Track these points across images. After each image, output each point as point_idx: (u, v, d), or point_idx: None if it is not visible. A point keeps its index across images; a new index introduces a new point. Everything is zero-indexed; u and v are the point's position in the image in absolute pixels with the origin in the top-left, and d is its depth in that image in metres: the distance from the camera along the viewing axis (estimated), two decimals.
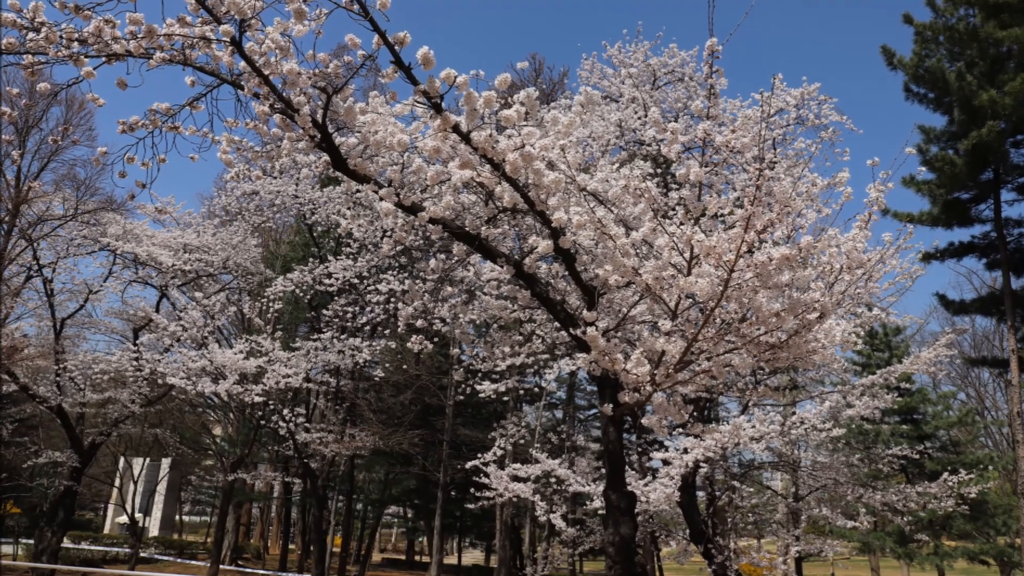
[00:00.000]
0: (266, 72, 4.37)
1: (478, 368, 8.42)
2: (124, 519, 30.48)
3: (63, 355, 14.72)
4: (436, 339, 7.80)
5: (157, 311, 15.49)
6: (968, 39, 15.15)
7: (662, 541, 14.28)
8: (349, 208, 9.80)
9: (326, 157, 4.92)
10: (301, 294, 13.68)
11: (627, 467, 9.16)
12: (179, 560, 27.33)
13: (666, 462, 9.96)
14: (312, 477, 16.77)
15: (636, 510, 7.15)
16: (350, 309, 13.52)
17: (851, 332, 5.30)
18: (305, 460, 16.12)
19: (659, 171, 8.76)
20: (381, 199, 4.84)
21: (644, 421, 5.14)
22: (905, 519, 14.16)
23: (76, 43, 4.06)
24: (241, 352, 13.07)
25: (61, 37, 4.01)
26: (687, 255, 4.32)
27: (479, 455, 11.82)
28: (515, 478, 11.50)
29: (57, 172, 22.11)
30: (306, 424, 16.22)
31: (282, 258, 22.78)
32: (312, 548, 18.62)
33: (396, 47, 4.16)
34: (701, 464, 9.99)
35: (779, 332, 4.52)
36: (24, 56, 4.04)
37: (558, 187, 4.54)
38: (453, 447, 23.16)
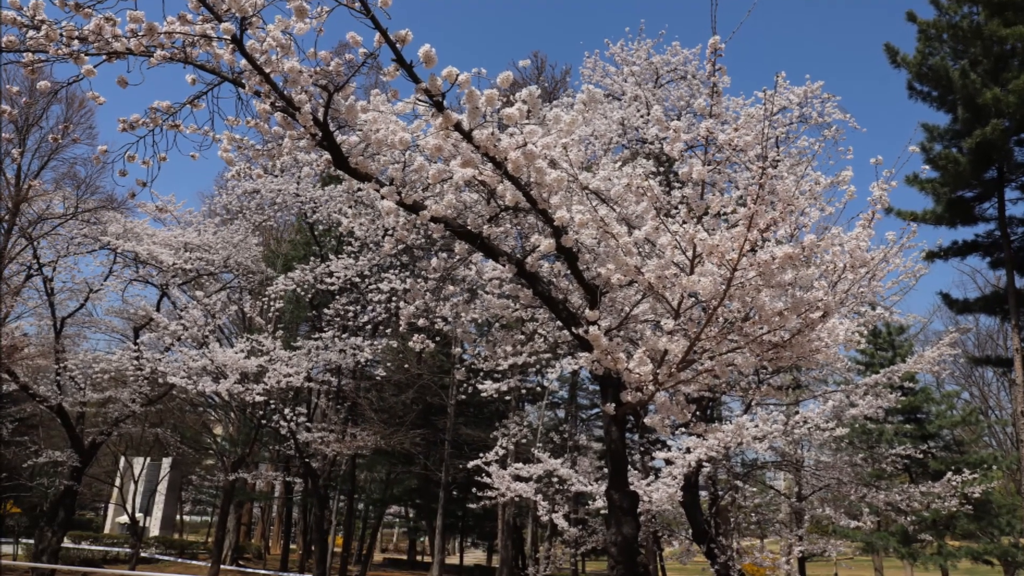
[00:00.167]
0: (267, 70, 4.35)
1: (480, 367, 8.40)
2: (124, 519, 30.49)
3: (63, 354, 14.72)
4: (438, 338, 7.79)
5: (158, 310, 15.47)
6: (972, 37, 15.11)
7: (665, 541, 14.28)
8: (350, 207, 9.79)
9: (327, 155, 4.90)
10: (302, 293, 13.67)
11: (630, 467, 9.18)
12: (180, 560, 27.33)
13: (669, 461, 9.93)
14: (313, 477, 16.76)
15: (639, 510, 7.13)
16: (351, 308, 13.50)
17: (854, 331, 5.29)
18: (306, 460, 16.12)
19: (662, 169, 8.74)
20: (382, 198, 4.82)
21: (647, 420, 5.12)
22: (909, 519, 14.10)
23: (76, 41, 4.05)
24: (242, 351, 13.05)
25: (61, 35, 4.00)
26: (690, 254, 4.30)
27: (481, 454, 11.80)
28: (517, 478, 11.47)
29: (57, 170, 22.17)
30: (307, 423, 16.21)
31: (283, 257, 22.77)
32: (313, 548, 18.60)
33: (398, 45, 4.15)
34: (704, 464, 9.96)
35: (782, 331, 4.51)
36: (24, 54, 4.03)
37: (560, 185, 4.52)
38: (455, 446, 23.16)
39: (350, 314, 13.57)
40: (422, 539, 41.52)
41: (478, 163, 4.64)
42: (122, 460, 27.75)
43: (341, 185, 12.10)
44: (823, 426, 10.00)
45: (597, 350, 4.54)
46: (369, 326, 15.16)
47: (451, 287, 7.23)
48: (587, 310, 4.81)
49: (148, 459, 29.09)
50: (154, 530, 36.45)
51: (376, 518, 30.50)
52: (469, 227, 5.34)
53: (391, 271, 10.75)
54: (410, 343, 6.74)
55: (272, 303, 13.65)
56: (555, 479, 11.50)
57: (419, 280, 7.11)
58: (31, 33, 3.96)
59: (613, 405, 5.18)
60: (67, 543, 22.44)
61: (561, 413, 27.20)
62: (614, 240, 4.48)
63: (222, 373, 13.05)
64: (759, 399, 11.10)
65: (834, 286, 4.43)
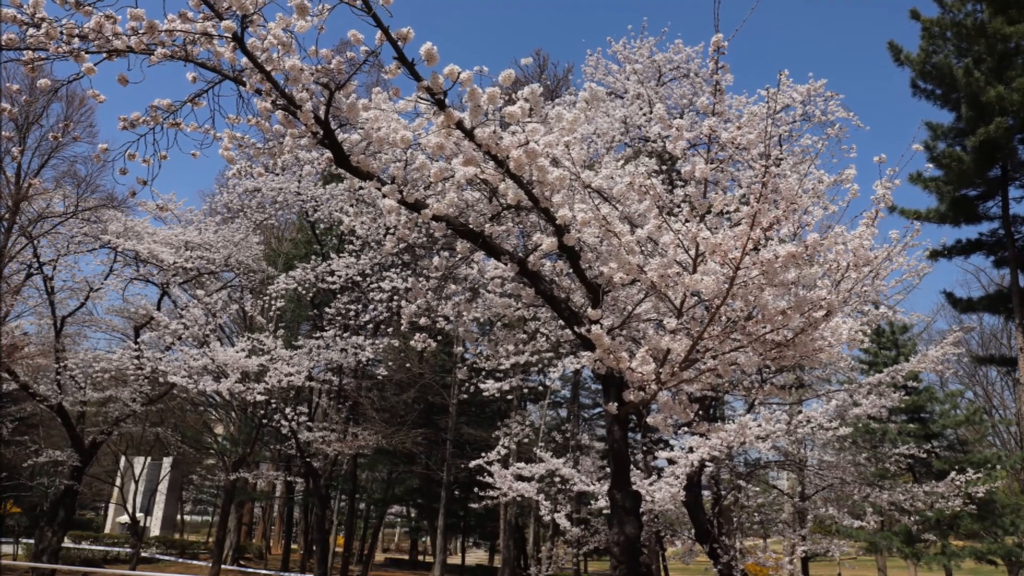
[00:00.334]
0: (268, 68, 4.34)
1: (482, 366, 8.38)
2: (125, 519, 30.50)
3: (63, 353, 14.71)
4: (439, 337, 7.76)
5: (158, 309, 15.47)
6: (976, 35, 15.07)
7: (667, 541, 14.26)
8: (352, 205, 9.78)
9: (329, 154, 4.88)
10: (303, 292, 13.65)
11: (632, 466, 9.16)
12: (180, 560, 27.33)
13: (671, 461, 9.91)
14: (315, 476, 16.76)
15: (641, 509, 7.11)
16: (353, 307, 13.49)
17: (858, 330, 5.27)
18: (307, 459, 16.11)
19: (664, 168, 8.70)
20: (384, 196, 4.81)
21: (649, 420, 5.10)
22: (912, 519, 14.06)
23: (77, 39, 4.04)
24: (243, 350, 13.03)
25: (61, 33, 3.99)
26: (692, 252, 4.29)
27: (483, 454, 11.78)
28: (519, 477, 11.46)
29: (58, 169, 22.10)
30: (308, 423, 16.20)
31: (284, 255, 22.77)
32: (315, 548, 18.60)
33: (399, 43, 4.14)
34: (707, 463, 9.94)
35: (785, 330, 4.50)
36: (24, 52, 4.02)
37: (562, 184, 4.50)
38: (456, 446, 23.14)
39: (351, 313, 13.56)
40: (424, 539, 41.54)
41: (480, 161, 4.63)
42: (122, 460, 27.75)
43: (342, 183, 12.10)
44: (826, 425, 9.97)
45: (599, 349, 4.53)
46: (370, 325, 15.16)
47: (453, 286, 7.22)
48: (589, 309, 4.79)
49: (149, 459, 29.08)
50: (155, 530, 36.47)
51: (377, 518, 30.50)
52: (471, 226, 5.32)
53: (392, 270, 10.73)
54: (412, 342, 6.72)
55: (273, 302, 13.64)
56: (557, 479, 11.47)
57: (421, 279, 7.09)
58: (31, 31, 3.95)
59: (615, 404, 5.17)
60: (67, 543, 22.44)
61: (563, 412, 27.17)
62: (616, 239, 4.46)
63: (223, 372, 13.04)
64: (762, 398, 11.06)
65: (837, 285, 4.42)
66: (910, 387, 17.98)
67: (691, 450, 9.21)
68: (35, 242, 14.43)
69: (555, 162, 4.74)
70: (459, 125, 4.32)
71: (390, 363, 18.28)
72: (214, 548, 22.25)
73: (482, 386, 9.21)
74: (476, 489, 12.96)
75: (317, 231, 17.70)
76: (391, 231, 5.85)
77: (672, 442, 13.80)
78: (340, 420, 18.11)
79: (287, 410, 14.62)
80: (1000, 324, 29.37)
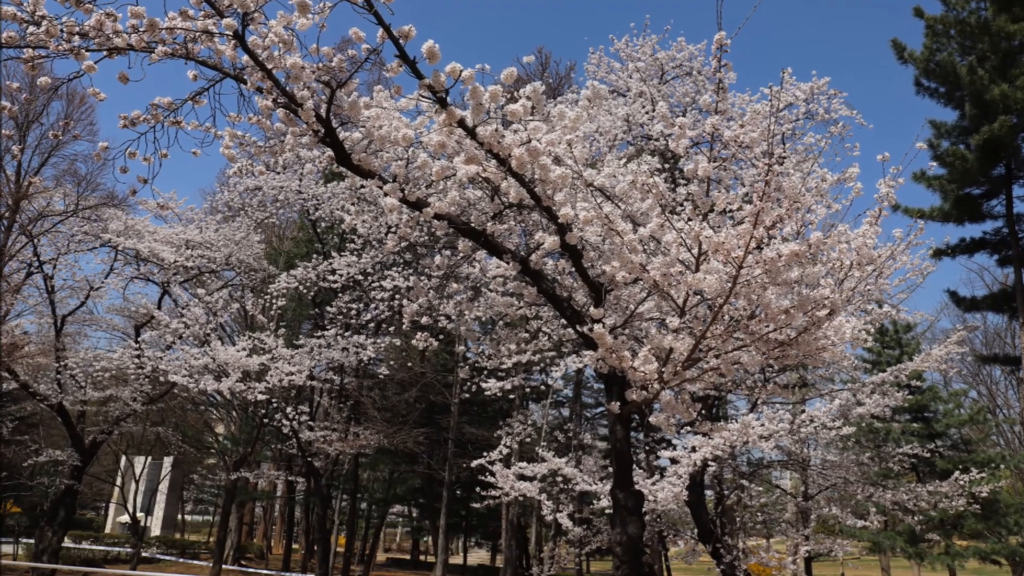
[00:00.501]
0: (269, 66, 4.33)
1: (484, 366, 8.36)
2: (125, 518, 30.50)
3: (64, 352, 14.70)
4: (441, 336, 7.75)
5: (159, 308, 15.45)
6: (980, 33, 15.02)
7: (670, 541, 14.22)
8: (353, 204, 9.75)
9: (330, 152, 4.87)
10: (305, 291, 13.64)
11: (634, 466, 9.11)
12: (181, 560, 27.31)
13: (674, 461, 9.88)
14: (316, 476, 16.74)
15: (644, 509, 7.09)
16: (354, 306, 13.47)
17: (861, 329, 5.25)
18: (309, 459, 16.08)
19: (667, 166, 8.68)
20: (386, 195, 4.79)
21: (652, 419, 5.09)
22: (916, 518, 14.03)
23: (77, 37, 4.03)
24: (244, 349, 13.01)
25: (62, 31, 3.97)
26: (695, 251, 4.27)
27: (485, 454, 11.76)
28: (521, 477, 11.44)
29: (58, 167, 21.98)
30: (310, 422, 16.18)
31: (285, 254, 22.76)
32: (316, 548, 18.60)
33: (401, 41, 4.12)
34: (709, 463, 9.91)
35: (788, 329, 4.48)
36: (24, 50, 4.00)
37: (565, 182, 4.48)
38: (458, 445, 23.12)
39: (353, 312, 13.54)
40: (425, 539, 41.54)
41: (482, 160, 4.61)
42: (123, 459, 27.75)
43: (344, 182, 12.08)
44: (830, 425, 9.94)
45: (602, 348, 4.51)
46: (372, 324, 15.14)
47: (455, 285, 7.20)
48: (592, 308, 4.77)
49: (149, 458, 29.06)
50: (155, 530, 36.48)
51: (379, 517, 30.50)
52: (473, 224, 5.30)
53: (394, 269, 10.71)
54: (413, 341, 6.72)
55: (274, 301, 13.62)
56: (559, 478, 11.45)
57: (422, 278, 7.07)
58: (31, 29, 3.94)
59: (618, 404, 5.14)
60: (68, 543, 22.40)
61: (565, 412, 27.14)
62: (619, 237, 4.45)
63: (224, 371, 13.02)
64: (765, 398, 11.02)
65: (841, 284, 4.40)
66: (914, 386, 17.91)
67: (694, 449, 9.18)
68: (35, 241, 14.42)
69: (557, 160, 4.72)
70: (461, 123, 4.31)
71: (392, 362, 18.27)
72: (215, 548, 22.24)
73: (484, 385, 9.19)
74: (478, 489, 12.94)
75: (318, 230, 17.70)
76: (392, 230, 5.83)
77: (675, 441, 13.78)
78: (341, 419, 18.08)
79: (288, 409, 14.60)
80: (1004, 323, 29.30)
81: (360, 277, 11.63)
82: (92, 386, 14.99)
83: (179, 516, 42.10)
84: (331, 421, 17.79)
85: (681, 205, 5.96)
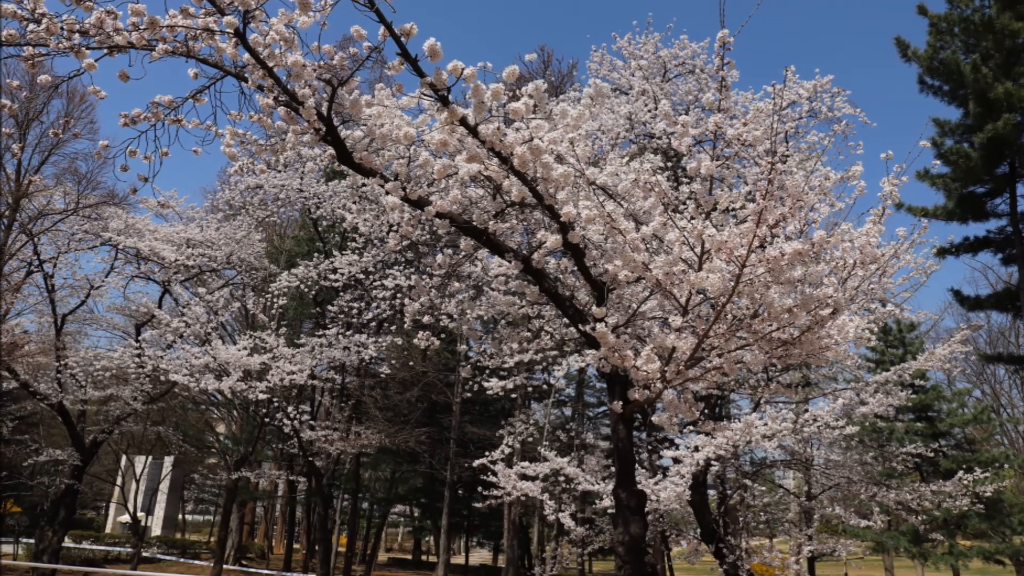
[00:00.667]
0: (270, 64, 4.31)
1: (485, 365, 8.34)
2: (126, 518, 30.51)
3: (64, 352, 14.69)
4: (443, 335, 7.73)
5: (160, 307, 15.44)
6: (983, 30, 14.96)
7: (673, 540, 14.19)
8: (355, 202, 9.74)
9: (331, 150, 4.85)
10: (306, 290, 13.64)
11: (637, 465, 9.09)
12: (182, 560, 27.28)
13: (677, 460, 9.86)
14: (317, 475, 16.72)
15: (646, 509, 7.06)
16: (356, 305, 13.45)
17: (864, 328, 5.23)
18: (310, 458, 16.06)
19: (670, 165, 8.65)
20: (387, 193, 4.78)
21: (654, 419, 5.06)
22: (919, 518, 13.98)
23: (77, 34, 4.01)
24: (245, 348, 13.00)
25: (62, 28, 3.96)
26: (698, 250, 4.25)
27: (487, 453, 11.73)
28: (523, 476, 11.42)
29: (58, 166, 21.93)
30: (311, 422, 16.15)
31: (286, 253, 22.74)
32: (317, 547, 18.60)
33: (402, 39, 4.11)
34: (712, 462, 9.89)
35: (791, 328, 4.47)
36: (25, 48, 3.99)
37: (567, 181, 4.46)
38: (460, 445, 23.10)
39: (354, 311, 13.52)
40: (427, 538, 41.53)
41: (484, 158, 4.59)
42: (123, 459, 27.75)
43: (345, 180, 12.06)
44: (833, 424, 9.90)
45: (604, 347, 4.49)
46: (373, 323, 15.11)
47: (456, 284, 7.18)
48: (594, 307, 4.75)
49: (150, 458, 28.98)
50: (156, 529, 36.49)
51: (381, 517, 30.50)
52: (475, 223, 5.28)
53: (396, 267, 10.71)
54: (415, 340, 6.70)
55: (275, 300, 13.63)
56: (562, 478, 11.43)
57: (424, 276, 7.06)
58: (31, 27, 3.92)
59: (620, 403, 5.12)
60: (68, 543, 22.43)
61: (568, 411, 27.10)
62: (621, 236, 4.43)
63: (225, 371, 13.01)
64: (768, 397, 11.00)
65: (844, 283, 4.38)
66: (917, 385, 17.87)
67: (697, 449, 9.16)
68: (35, 239, 14.42)
69: (559, 159, 4.70)
70: (463, 121, 4.29)
71: (393, 361, 18.27)
72: (216, 548, 22.23)
73: (486, 384, 9.16)
74: (480, 488, 12.93)
75: (320, 228, 17.68)
76: (394, 228, 5.81)
77: (677, 441, 13.75)
78: (343, 419, 18.08)
79: (289, 409, 14.57)
80: (1008, 322, 29.27)
81: (361, 276, 11.62)
82: (92, 385, 14.99)
83: (180, 516, 42.14)
84: (332, 420, 17.79)
85: (684, 204, 5.93)
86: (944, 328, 28.71)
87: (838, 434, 10.13)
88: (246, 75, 4.43)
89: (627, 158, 6.71)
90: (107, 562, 25.11)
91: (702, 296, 4.90)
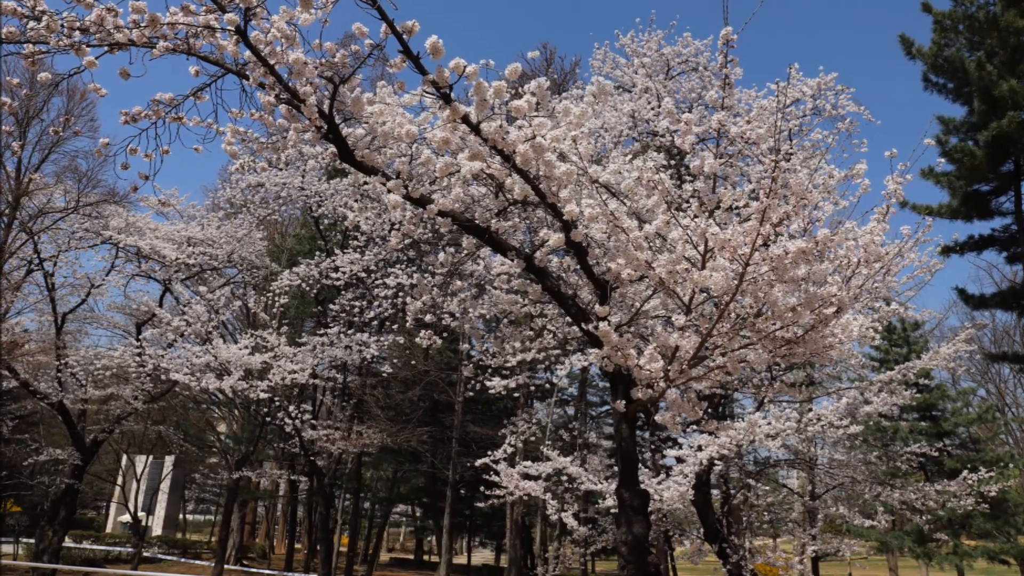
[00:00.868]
0: (272, 62, 4.29)
1: (488, 364, 8.32)
2: (127, 518, 30.53)
3: (64, 351, 14.69)
4: (445, 334, 7.71)
5: (160, 306, 15.43)
6: (988, 28, 14.90)
7: (676, 540, 14.17)
8: (356, 200, 9.73)
9: (333, 148, 4.84)
10: (307, 288, 13.62)
11: (640, 465, 9.07)
12: (183, 560, 27.27)
13: (680, 460, 9.84)
14: (319, 475, 16.70)
15: (649, 509, 7.03)
16: (357, 304, 13.43)
17: (868, 327, 5.21)
18: (311, 458, 16.05)
19: (673, 163, 8.62)
20: (389, 191, 4.76)
21: (658, 418, 5.04)
22: (924, 518, 13.92)
23: (77, 32, 4.00)
24: (246, 347, 12.99)
25: (62, 26, 3.95)
26: (701, 248, 4.24)
27: (489, 452, 11.71)
28: (526, 476, 11.40)
29: (58, 164, 21.86)
30: (312, 421, 16.12)
31: (288, 251, 22.71)
32: (318, 547, 18.59)
33: (404, 36, 4.09)
34: (716, 462, 9.86)
35: (795, 327, 4.45)
36: (25, 45, 3.98)
37: (570, 179, 4.44)
38: (462, 444, 23.09)
39: (356, 310, 13.49)
40: (429, 538, 41.52)
41: (486, 156, 4.57)
42: (124, 458, 27.75)
43: (347, 178, 12.02)
44: (837, 424, 9.87)
45: (607, 346, 4.47)
46: (375, 322, 15.08)
47: (459, 282, 7.16)
48: (597, 306, 4.73)
49: (150, 457, 28.93)
50: (157, 529, 36.52)
51: (382, 517, 30.47)
52: (477, 221, 5.26)
53: (398, 266, 10.69)
54: (417, 339, 6.68)
55: (277, 298, 13.60)
56: (564, 477, 11.42)
57: (426, 275, 7.05)
58: (32, 24, 3.91)
59: (623, 402, 5.10)
60: (68, 542, 22.41)
61: (570, 410, 27.06)
62: (624, 235, 4.41)
63: (226, 370, 13.00)
64: (772, 396, 10.97)
65: (848, 281, 4.37)
66: (922, 385, 17.82)
67: (700, 448, 9.14)
68: (35, 238, 14.40)
69: (562, 157, 4.68)
70: (465, 119, 4.27)
71: (395, 360, 18.26)
72: (217, 548, 22.22)
73: (488, 384, 9.14)
74: (482, 488, 12.92)
75: (321, 227, 17.65)
76: (396, 227, 5.79)
77: (681, 440, 13.74)
78: (344, 418, 18.06)
79: (291, 408, 14.53)
80: (1013, 321, 29.17)
81: (363, 274, 11.60)
82: (93, 384, 14.99)
83: (181, 516, 42.18)
84: (334, 420, 17.77)
85: (687, 202, 5.90)
86: (948, 327, 28.68)
87: (842, 433, 10.10)
88: (247, 73, 4.42)
89: (630, 156, 6.68)
90: (108, 562, 25.10)
91: (705, 295, 4.88)
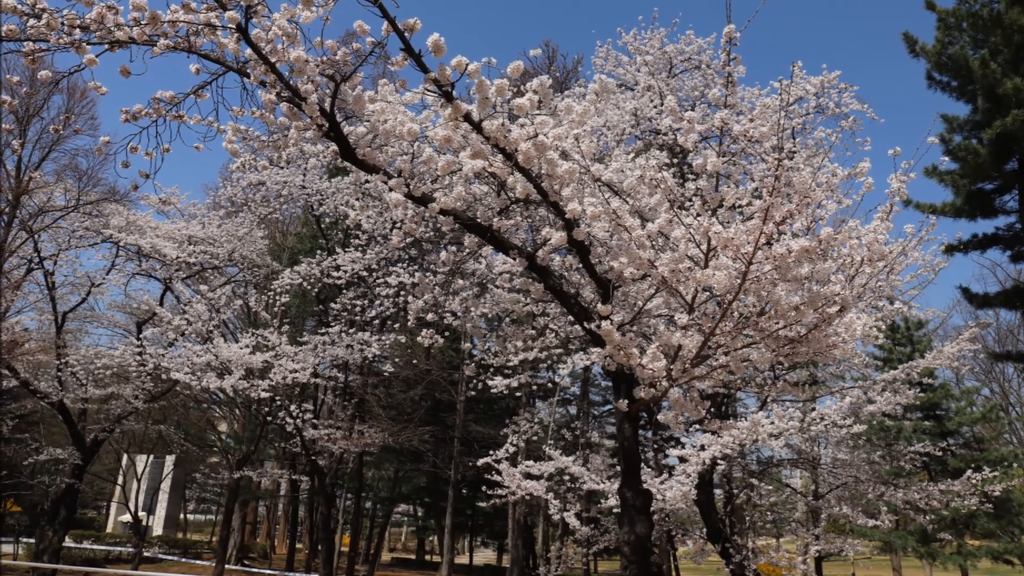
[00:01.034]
0: (273, 60, 4.28)
1: (490, 363, 8.30)
2: (127, 518, 30.54)
3: (65, 350, 14.68)
4: (447, 333, 7.70)
5: (161, 305, 15.41)
6: (992, 26, 14.83)
7: (679, 540, 14.16)
8: (358, 199, 9.71)
9: (334, 147, 4.82)
10: (308, 287, 13.60)
11: (643, 464, 9.05)
12: (183, 560, 27.27)
13: (683, 459, 9.82)
14: (320, 474, 16.70)
15: (652, 508, 7.01)
16: (359, 302, 13.41)
17: (872, 326, 5.20)
18: (313, 457, 16.04)
19: (675, 161, 8.59)
20: (390, 190, 4.74)
21: (660, 417, 5.03)
22: (927, 518, 13.90)
23: (78, 30, 3.99)
24: (247, 346, 12.97)
25: (62, 24, 3.94)
26: (704, 247, 4.22)
27: (491, 452, 11.69)
28: (528, 476, 11.38)
29: (59, 162, 21.82)
30: (314, 420, 16.12)
31: (289, 250, 22.70)
32: (320, 547, 18.58)
33: (406, 34, 4.07)
34: (718, 461, 9.83)
35: (798, 326, 4.44)
36: (25, 43, 3.97)
37: (572, 177, 4.42)
38: (464, 444, 23.09)
39: (357, 309, 13.48)
40: (431, 538, 41.54)
41: (488, 154, 4.55)
42: (124, 458, 27.77)
43: (348, 177, 12.02)
44: (840, 423, 9.85)
45: (610, 345, 4.45)
46: (377, 321, 15.08)
47: (460, 281, 7.14)
48: (599, 304, 4.71)
49: (151, 457, 28.95)
50: (157, 529, 36.54)
51: (384, 517, 30.45)
52: (479, 220, 5.24)
53: (399, 265, 10.67)
54: (419, 338, 6.66)
55: (278, 297, 13.59)
56: (567, 477, 11.40)
57: (428, 274, 7.03)
58: (32, 22, 3.90)
59: (626, 401, 5.08)
60: (68, 542, 22.41)
61: (573, 410, 27.06)
62: (627, 233, 4.39)
63: (227, 369, 12.99)
64: (775, 395, 10.94)
65: (851, 280, 4.36)
66: (925, 384, 17.77)
67: (703, 448, 9.12)
68: (36, 236, 14.39)
69: (564, 155, 4.66)
70: (467, 117, 4.25)
71: (397, 359, 18.23)
72: (218, 548, 22.23)
73: (490, 383, 9.12)
74: (484, 488, 12.90)
75: (322, 225, 17.64)
76: (398, 225, 5.77)
77: (684, 440, 13.70)
78: (346, 417, 18.05)
79: (292, 407, 14.52)
80: (1017, 320, 29.10)
81: (365, 273, 11.59)
82: (93, 384, 14.98)
83: (181, 515, 42.18)
84: (335, 419, 17.77)
85: (690, 200, 5.88)
86: (952, 326, 28.60)
87: (845, 433, 10.07)
88: (248, 71, 4.40)
89: (633, 154, 6.65)
90: (108, 562, 25.11)
91: (708, 294, 4.86)
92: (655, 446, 13.50)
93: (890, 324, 18.12)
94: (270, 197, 14.89)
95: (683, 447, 10.23)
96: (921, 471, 18.67)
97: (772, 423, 8.73)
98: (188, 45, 4.30)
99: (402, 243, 5.56)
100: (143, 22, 4.05)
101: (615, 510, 12.09)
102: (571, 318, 6.82)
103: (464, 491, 26.22)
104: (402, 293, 10.25)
